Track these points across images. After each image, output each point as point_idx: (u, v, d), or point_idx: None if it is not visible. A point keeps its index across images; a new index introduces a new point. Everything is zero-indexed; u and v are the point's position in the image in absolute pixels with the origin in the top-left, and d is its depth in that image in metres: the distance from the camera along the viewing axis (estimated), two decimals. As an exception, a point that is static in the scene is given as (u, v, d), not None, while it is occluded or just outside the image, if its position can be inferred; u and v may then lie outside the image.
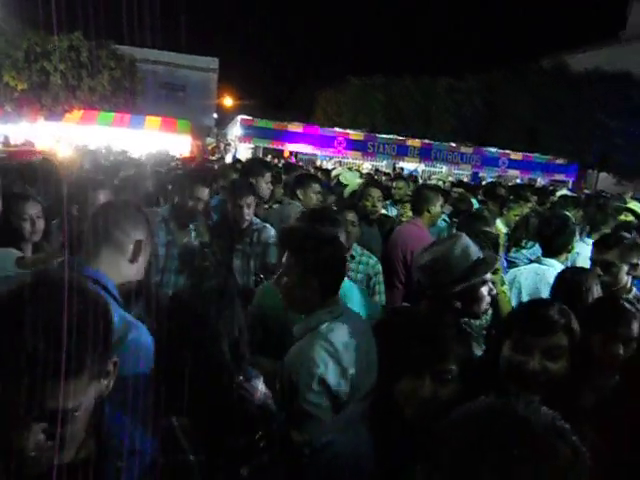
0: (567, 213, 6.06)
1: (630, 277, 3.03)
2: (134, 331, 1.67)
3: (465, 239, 2.36)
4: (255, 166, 4.68)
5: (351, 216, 3.63)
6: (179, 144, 19.53)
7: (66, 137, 16.84)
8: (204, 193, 3.42)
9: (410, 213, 5.76)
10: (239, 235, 3.46)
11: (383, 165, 20.13)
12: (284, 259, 2.12)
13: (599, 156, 22.83)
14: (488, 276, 2.34)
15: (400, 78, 26.45)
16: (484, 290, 2.30)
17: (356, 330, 2.04)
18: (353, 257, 3.45)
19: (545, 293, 3.12)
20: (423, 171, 19.64)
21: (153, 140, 18.58)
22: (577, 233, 5.49)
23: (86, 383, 1.04)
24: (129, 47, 23.71)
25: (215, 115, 34.72)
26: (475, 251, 2.35)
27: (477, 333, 3.18)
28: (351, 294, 2.65)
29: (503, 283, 3.25)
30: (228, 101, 35.37)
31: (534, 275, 3.54)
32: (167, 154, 14.13)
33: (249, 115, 19.43)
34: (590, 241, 4.39)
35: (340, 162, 19.03)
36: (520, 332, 1.73)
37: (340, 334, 2.00)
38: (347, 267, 2.77)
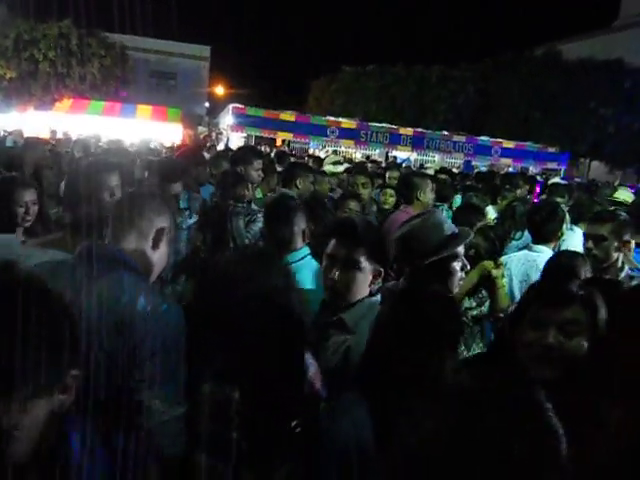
0: (558, 200, 6.14)
1: (621, 254, 3.04)
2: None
3: (439, 214, 2.45)
4: (245, 154, 4.67)
5: (353, 205, 3.65)
6: (170, 133, 19.41)
7: (58, 126, 16.73)
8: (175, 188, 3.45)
9: (391, 200, 5.80)
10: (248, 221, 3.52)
11: (376, 154, 20.09)
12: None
13: (591, 144, 22.92)
14: (460, 249, 2.39)
15: (394, 67, 26.34)
16: (456, 265, 2.34)
17: None
18: None
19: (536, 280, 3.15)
20: (416, 160, 19.63)
21: (144, 129, 18.44)
22: (567, 220, 5.55)
23: (26, 399, 0.92)
24: (119, 35, 23.43)
25: (207, 104, 34.48)
26: (449, 226, 2.40)
27: (472, 323, 3.21)
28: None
29: (503, 276, 3.29)
30: (220, 90, 35.10)
31: (525, 262, 3.56)
32: (154, 142, 14.05)
33: (241, 104, 19.31)
34: (577, 229, 4.43)
35: (336, 151, 18.99)
36: (536, 306, 1.66)
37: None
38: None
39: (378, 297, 2.15)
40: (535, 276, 3.25)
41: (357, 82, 27.01)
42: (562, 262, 2.87)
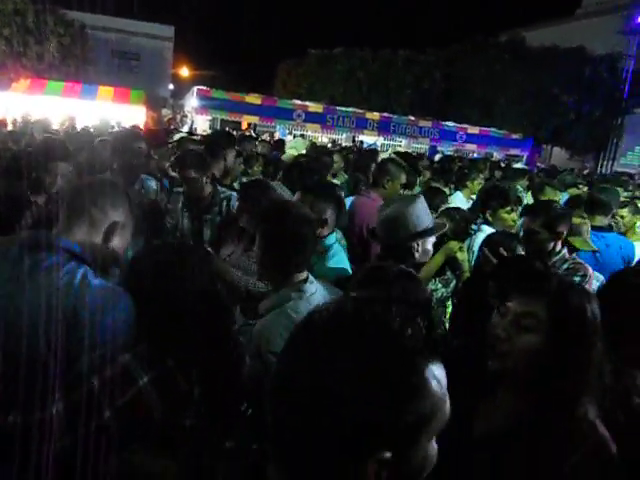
0: (517, 185, 6.26)
1: (559, 242, 3.07)
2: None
3: (422, 201, 2.59)
4: (223, 138, 4.61)
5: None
6: (133, 115, 18.92)
7: (15, 107, 16.13)
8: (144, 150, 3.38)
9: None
10: (207, 205, 3.44)
11: (342, 138, 20.08)
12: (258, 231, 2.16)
13: (553, 131, 23.35)
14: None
15: (360, 50, 26.24)
16: (429, 247, 2.61)
17: None
18: None
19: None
20: (382, 144, 19.71)
21: (106, 111, 17.93)
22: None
23: None
24: (79, 13, 22.69)
25: (171, 86, 33.82)
26: (429, 214, 2.62)
27: (439, 304, 3.25)
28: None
29: (468, 260, 3.36)
30: (184, 71, 34.49)
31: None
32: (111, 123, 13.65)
33: (207, 86, 18.98)
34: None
35: (302, 135, 18.87)
36: (494, 294, 1.67)
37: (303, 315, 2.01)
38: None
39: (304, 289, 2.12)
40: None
41: (324, 65, 26.83)
42: (493, 240, 2.92)
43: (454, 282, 3.29)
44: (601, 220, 4.29)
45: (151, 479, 1.35)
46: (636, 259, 4.26)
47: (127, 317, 1.57)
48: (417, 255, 2.54)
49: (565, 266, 2.95)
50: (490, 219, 4.00)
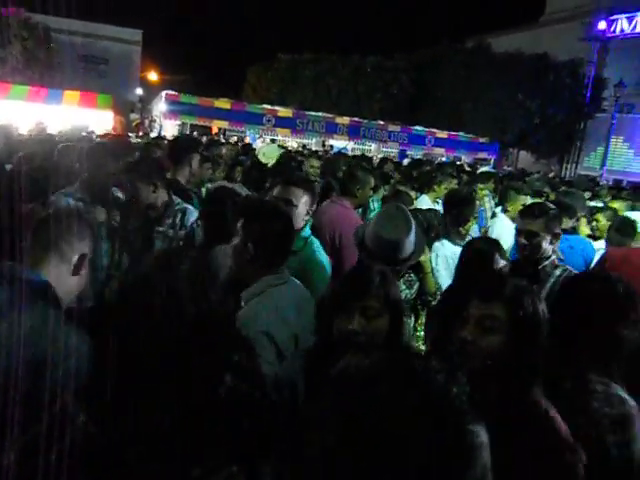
0: (484, 188, 6.39)
1: (552, 246, 3.15)
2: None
3: (415, 224, 2.70)
4: (187, 143, 4.54)
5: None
6: (100, 120, 18.63)
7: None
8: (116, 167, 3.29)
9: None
10: (160, 217, 3.29)
11: (312, 143, 20.15)
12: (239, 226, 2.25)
13: (518, 135, 23.84)
14: None
15: (329, 56, 26.39)
16: None
17: (300, 294, 2.24)
18: None
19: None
20: (353, 149, 19.83)
21: (72, 116, 17.61)
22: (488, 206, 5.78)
23: None
24: (43, 16, 22.26)
25: (140, 90, 33.42)
26: (418, 231, 2.71)
27: (405, 304, 3.30)
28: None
29: (431, 261, 3.41)
30: (153, 76, 34.16)
31: (452, 245, 3.70)
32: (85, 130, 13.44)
33: (176, 90, 18.82)
34: (500, 215, 4.64)
35: (273, 140, 18.87)
36: (459, 299, 1.69)
37: (287, 297, 2.16)
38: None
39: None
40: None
41: (293, 70, 26.90)
42: (473, 247, 2.98)
43: (417, 284, 3.35)
44: (566, 222, 4.40)
45: None
46: (595, 260, 4.39)
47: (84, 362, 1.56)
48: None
49: (558, 272, 2.95)
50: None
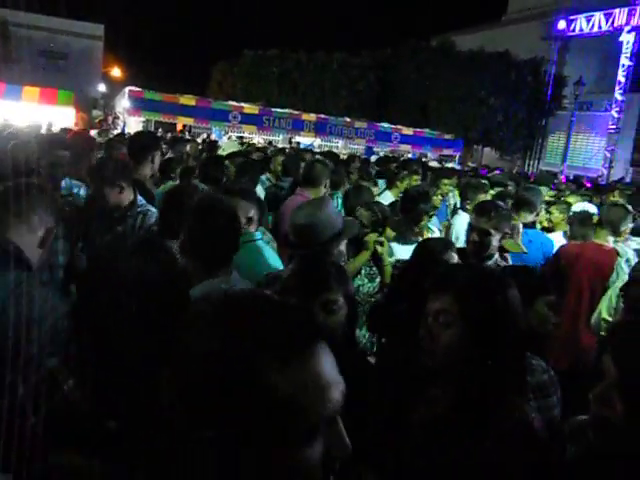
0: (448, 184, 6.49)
1: (497, 244, 3.21)
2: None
3: (332, 204, 2.57)
4: (148, 140, 4.42)
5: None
6: (61, 117, 18.21)
7: None
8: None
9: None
10: (121, 216, 3.21)
11: (279, 139, 20.10)
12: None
13: (482, 132, 24.25)
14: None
15: (295, 52, 26.35)
16: (342, 248, 2.59)
17: None
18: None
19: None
20: (320, 146, 19.86)
21: (31, 112, 17.17)
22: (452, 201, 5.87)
23: None
24: (1, 9, 21.59)
25: (103, 86, 32.75)
26: (339, 215, 2.59)
27: (365, 301, 3.30)
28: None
29: (391, 255, 3.43)
30: (116, 72, 33.47)
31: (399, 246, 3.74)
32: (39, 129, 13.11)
33: (141, 87, 18.51)
34: (461, 212, 4.72)
35: (241, 137, 18.74)
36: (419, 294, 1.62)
37: None
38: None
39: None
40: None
41: (259, 66, 26.76)
42: (424, 245, 3.02)
43: (379, 278, 3.37)
44: (526, 217, 4.50)
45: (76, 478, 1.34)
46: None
47: (59, 322, 1.57)
48: (333, 257, 2.51)
49: None
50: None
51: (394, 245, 3.68)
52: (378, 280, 3.34)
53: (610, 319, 3.22)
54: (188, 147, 7.41)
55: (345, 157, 11.40)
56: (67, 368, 1.45)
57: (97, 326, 1.38)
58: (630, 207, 4.47)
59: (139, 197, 3.32)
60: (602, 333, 3.22)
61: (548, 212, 5.32)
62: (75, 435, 1.39)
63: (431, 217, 4.03)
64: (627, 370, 1.23)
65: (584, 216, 4.67)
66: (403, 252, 3.57)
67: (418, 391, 1.58)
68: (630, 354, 1.24)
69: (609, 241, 4.07)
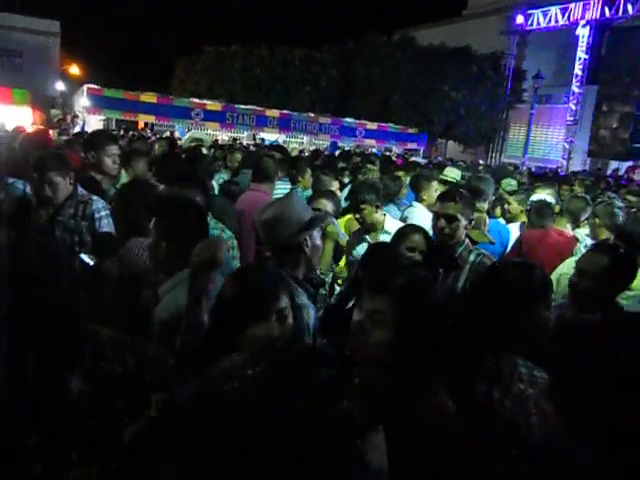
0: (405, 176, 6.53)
1: (465, 231, 3.23)
2: None
3: (298, 197, 2.52)
4: (96, 139, 4.35)
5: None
6: (17, 116, 17.70)
7: None
8: None
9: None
10: (61, 206, 3.22)
11: (243, 136, 19.97)
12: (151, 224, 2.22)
13: (445, 126, 24.55)
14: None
15: (257, 47, 26.17)
16: (318, 242, 2.53)
17: (217, 288, 2.18)
18: None
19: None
20: (285, 142, 19.80)
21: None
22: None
23: None
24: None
25: (61, 85, 31.92)
26: (307, 208, 2.54)
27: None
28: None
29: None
30: (75, 69, 32.65)
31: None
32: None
33: (101, 84, 18.12)
34: (415, 204, 4.79)
35: (209, 134, 18.49)
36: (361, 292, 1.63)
37: None
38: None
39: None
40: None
41: (221, 63, 26.50)
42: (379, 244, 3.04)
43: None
44: (481, 206, 4.58)
45: None
46: (511, 242, 4.58)
47: None
48: (308, 251, 2.49)
49: (472, 258, 3.01)
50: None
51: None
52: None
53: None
54: (157, 146, 7.32)
55: (310, 153, 11.43)
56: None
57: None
58: (589, 198, 4.61)
59: (81, 189, 3.34)
60: None
61: (507, 203, 5.41)
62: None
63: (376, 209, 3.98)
64: (555, 375, 1.27)
65: (541, 206, 4.77)
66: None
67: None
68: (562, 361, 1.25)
69: (568, 229, 4.18)
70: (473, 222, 3.20)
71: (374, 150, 20.50)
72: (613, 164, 23.61)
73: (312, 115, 21.47)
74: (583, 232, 4.28)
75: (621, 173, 20.31)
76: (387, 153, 17.75)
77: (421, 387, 1.50)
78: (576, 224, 4.20)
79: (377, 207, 3.84)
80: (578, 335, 1.28)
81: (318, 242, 2.57)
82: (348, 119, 22.25)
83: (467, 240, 3.16)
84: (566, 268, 3.26)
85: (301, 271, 2.36)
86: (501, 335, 1.84)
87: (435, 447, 1.41)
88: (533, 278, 1.98)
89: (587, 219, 4.28)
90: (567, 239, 4.02)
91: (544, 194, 5.17)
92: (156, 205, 2.34)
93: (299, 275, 2.35)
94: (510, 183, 6.81)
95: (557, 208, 4.65)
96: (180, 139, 14.27)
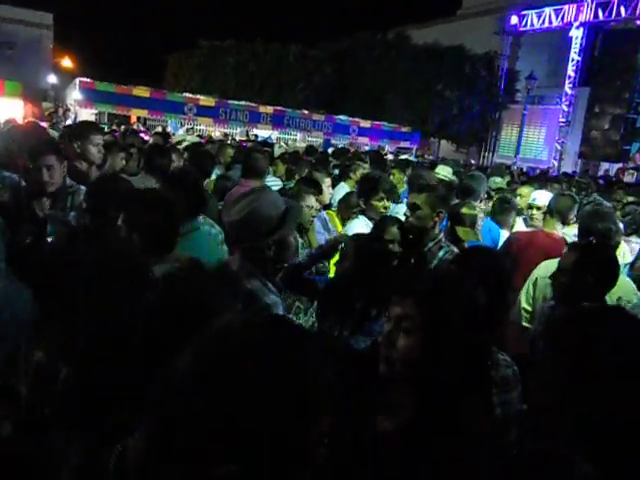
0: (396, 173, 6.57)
1: (438, 224, 3.24)
2: None
3: (272, 192, 2.47)
4: (81, 128, 4.35)
5: None
6: (8, 108, 17.53)
7: None
8: None
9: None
10: (52, 200, 3.21)
11: (237, 132, 19.90)
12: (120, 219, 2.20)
13: (438, 125, 24.61)
14: None
15: (251, 43, 26.08)
16: (291, 238, 2.52)
17: None
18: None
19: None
20: (277, 139, 19.76)
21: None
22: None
23: None
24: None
25: (54, 77, 31.68)
26: (282, 202, 2.46)
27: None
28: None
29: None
30: (67, 62, 32.41)
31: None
32: None
33: (94, 78, 17.99)
34: (404, 199, 4.83)
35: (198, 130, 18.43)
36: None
37: None
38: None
39: None
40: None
41: (214, 57, 26.38)
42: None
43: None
44: (474, 204, 4.62)
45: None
46: (501, 241, 4.62)
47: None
48: (276, 249, 2.47)
49: (441, 253, 3.04)
50: (364, 206, 4.19)
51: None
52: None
53: (529, 308, 3.32)
54: (152, 140, 7.30)
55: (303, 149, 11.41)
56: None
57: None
58: (575, 196, 4.66)
59: (69, 180, 3.36)
60: (524, 323, 3.32)
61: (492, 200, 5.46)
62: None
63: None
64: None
65: (502, 201, 4.88)
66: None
67: (376, 397, 1.51)
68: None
69: (557, 229, 4.21)
70: (442, 215, 3.20)
71: (366, 148, 20.52)
72: (604, 165, 23.78)
73: (306, 112, 21.43)
74: (571, 232, 4.32)
75: (612, 174, 20.49)
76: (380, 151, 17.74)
77: (460, 399, 1.41)
78: (565, 223, 4.24)
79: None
80: (567, 324, 1.30)
81: (290, 239, 2.55)
82: (342, 117, 22.24)
83: (441, 236, 3.19)
84: (542, 270, 3.30)
85: (270, 268, 2.34)
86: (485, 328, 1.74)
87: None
88: (500, 265, 2.00)
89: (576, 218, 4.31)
90: (555, 241, 4.04)
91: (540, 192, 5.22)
92: (124, 199, 2.32)
93: (268, 271, 2.33)
94: (496, 181, 6.89)
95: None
96: (174, 134, 14.23)
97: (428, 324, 1.40)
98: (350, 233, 3.45)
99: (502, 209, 4.81)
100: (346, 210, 4.74)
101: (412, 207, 3.11)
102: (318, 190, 4.34)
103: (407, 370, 1.42)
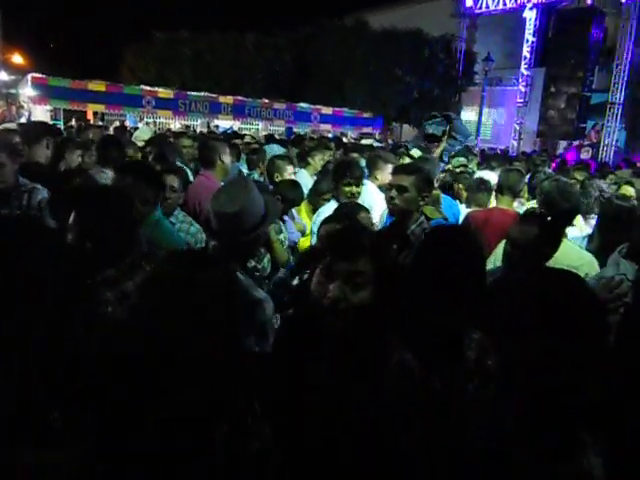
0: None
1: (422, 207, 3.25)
2: None
3: (255, 188, 2.44)
4: (31, 131, 4.28)
5: (170, 179, 3.42)
6: (-43, 108, 16.95)
7: None
8: None
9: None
10: (4, 198, 3.15)
11: (197, 124, 19.66)
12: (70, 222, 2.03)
13: (399, 109, 24.75)
14: None
15: (207, 33, 25.67)
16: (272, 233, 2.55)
17: None
18: (173, 224, 3.33)
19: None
20: (240, 128, 19.60)
21: None
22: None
23: None
24: None
25: (4, 74, 30.57)
26: (262, 199, 2.47)
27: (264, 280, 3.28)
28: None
29: (280, 232, 3.47)
30: (18, 58, 31.37)
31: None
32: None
33: (49, 73, 17.47)
34: (368, 182, 4.88)
35: (154, 123, 18.10)
36: (325, 259, 1.63)
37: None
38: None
39: None
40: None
41: (170, 49, 25.90)
42: (343, 212, 3.11)
43: (267, 256, 3.19)
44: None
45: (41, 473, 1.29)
46: (461, 218, 4.73)
47: None
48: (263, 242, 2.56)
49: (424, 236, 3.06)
50: (336, 191, 4.23)
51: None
52: (267, 259, 3.16)
53: None
54: (91, 134, 7.09)
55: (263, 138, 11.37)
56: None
57: None
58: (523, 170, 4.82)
59: (22, 179, 3.29)
60: None
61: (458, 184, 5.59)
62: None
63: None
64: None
65: (477, 183, 4.98)
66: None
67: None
68: None
69: (512, 206, 4.32)
70: (427, 199, 3.20)
71: (330, 135, 20.53)
72: (562, 144, 24.32)
73: (266, 101, 21.28)
74: (524, 207, 4.45)
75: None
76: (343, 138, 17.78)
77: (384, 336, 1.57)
78: (516, 197, 4.36)
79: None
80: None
81: (272, 233, 2.60)
82: (303, 104, 22.17)
83: (422, 218, 3.16)
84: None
85: (254, 262, 2.37)
86: (450, 300, 1.80)
87: (401, 395, 1.50)
88: (472, 240, 2.05)
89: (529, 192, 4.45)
90: (511, 217, 4.14)
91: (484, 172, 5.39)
92: (73, 196, 2.13)
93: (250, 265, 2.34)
94: (459, 160, 7.03)
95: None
96: (134, 129, 13.96)
97: (378, 277, 1.56)
98: (321, 217, 3.48)
99: (478, 189, 4.90)
100: (316, 198, 4.74)
101: (399, 189, 3.03)
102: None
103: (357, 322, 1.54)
